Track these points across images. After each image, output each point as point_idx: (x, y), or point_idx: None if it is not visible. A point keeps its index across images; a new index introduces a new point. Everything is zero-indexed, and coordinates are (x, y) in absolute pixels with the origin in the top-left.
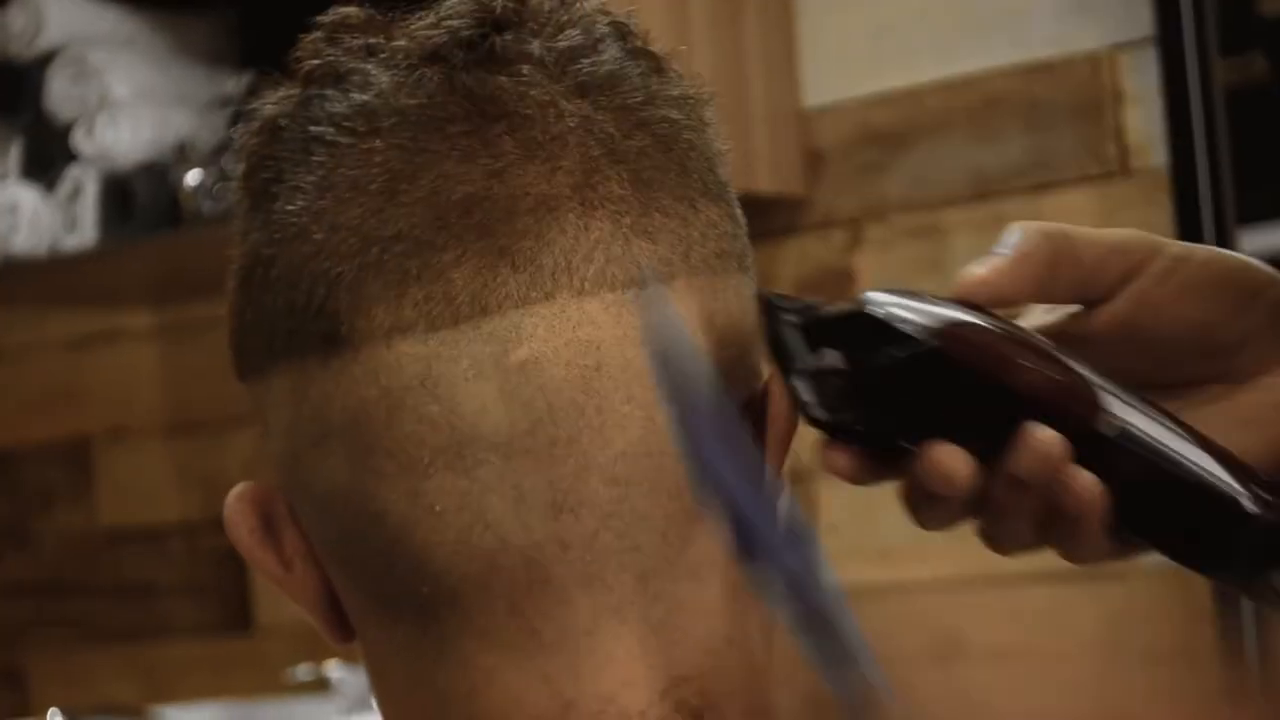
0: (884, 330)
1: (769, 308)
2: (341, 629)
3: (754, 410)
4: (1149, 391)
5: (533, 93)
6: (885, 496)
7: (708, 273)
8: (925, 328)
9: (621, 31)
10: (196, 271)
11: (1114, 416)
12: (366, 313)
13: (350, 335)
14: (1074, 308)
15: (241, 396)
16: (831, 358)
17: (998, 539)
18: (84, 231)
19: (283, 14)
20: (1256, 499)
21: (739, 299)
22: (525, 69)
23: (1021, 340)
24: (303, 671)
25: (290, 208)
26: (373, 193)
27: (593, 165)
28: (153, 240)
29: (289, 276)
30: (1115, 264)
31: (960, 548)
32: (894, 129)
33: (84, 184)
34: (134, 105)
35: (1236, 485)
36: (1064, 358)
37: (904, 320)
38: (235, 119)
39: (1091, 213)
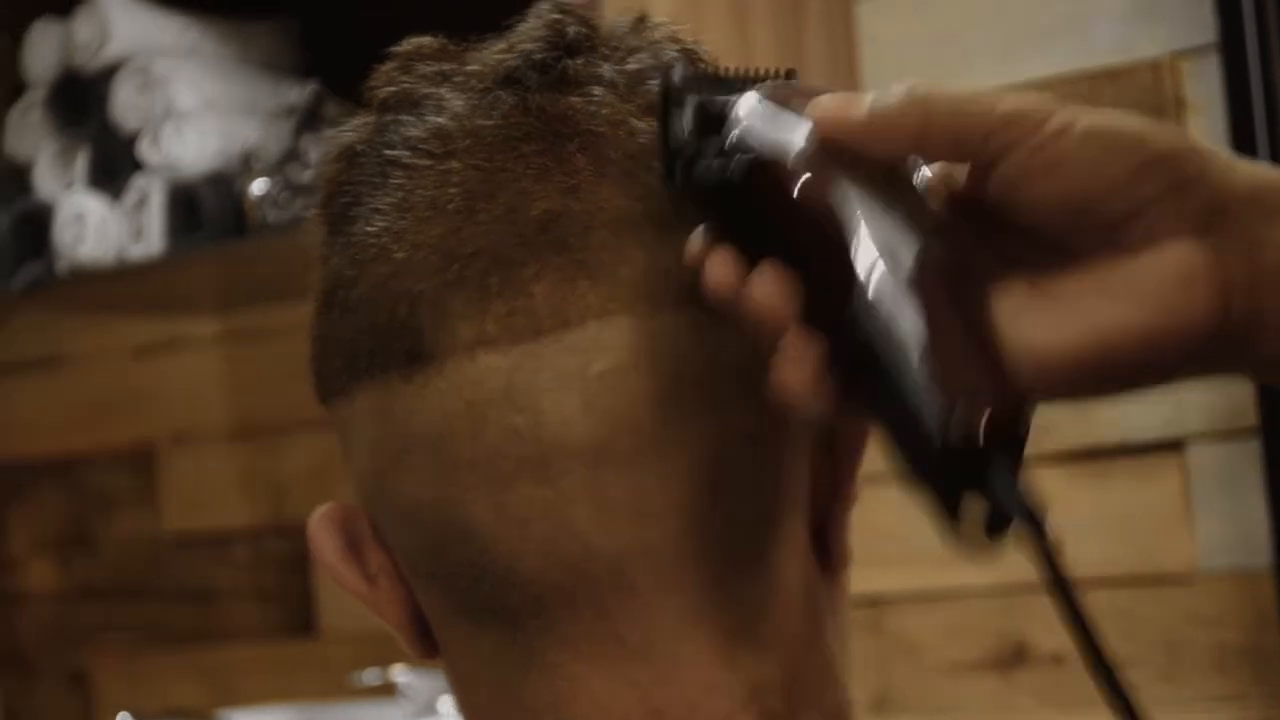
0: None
1: (668, 94)
2: (425, 643)
3: (826, 434)
4: (1031, 259)
5: (604, 112)
6: None
7: None
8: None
9: (690, 57)
10: (261, 279)
11: (858, 281)
12: (449, 328)
13: (434, 350)
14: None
15: (304, 403)
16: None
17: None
18: (150, 240)
19: (344, 23)
20: (956, 424)
21: None
22: (596, 90)
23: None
24: (369, 676)
25: (370, 229)
26: (451, 212)
27: (663, 182)
28: (218, 249)
29: (371, 296)
30: (998, 135)
31: (1022, 554)
32: None
33: (150, 193)
34: (199, 115)
35: (939, 399)
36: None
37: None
38: (300, 128)
39: None
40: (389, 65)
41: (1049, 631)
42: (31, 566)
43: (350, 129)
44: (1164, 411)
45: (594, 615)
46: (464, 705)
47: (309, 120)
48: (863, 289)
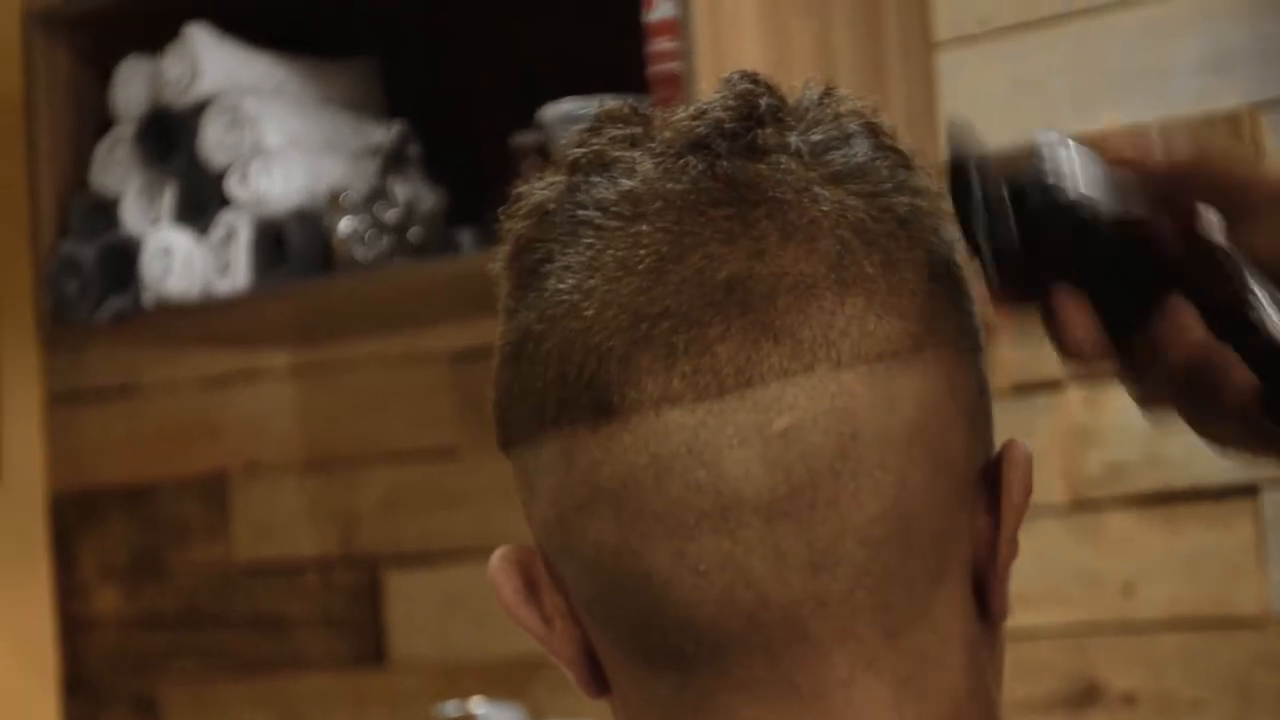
0: (1073, 216)
1: (965, 173)
2: (597, 684)
3: (989, 477)
4: None
5: (789, 179)
6: (1020, 543)
7: (951, 347)
8: (1123, 219)
9: (873, 129)
10: (340, 314)
11: (1253, 294)
12: (637, 384)
13: (621, 405)
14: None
15: (375, 436)
16: (1015, 237)
17: (1144, 397)
18: (236, 275)
19: (424, 63)
20: None
21: (977, 373)
22: (782, 159)
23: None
24: (450, 708)
25: (561, 286)
26: (641, 272)
27: (846, 247)
28: (304, 285)
29: (561, 350)
30: (1229, 200)
31: (1093, 594)
32: None
33: (237, 229)
34: (286, 152)
35: None
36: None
37: (1090, 201)
38: (386, 168)
39: None
40: (579, 128)
41: (1120, 672)
42: (102, 593)
43: (541, 187)
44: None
45: (768, 663)
46: None
47: (394, 160)
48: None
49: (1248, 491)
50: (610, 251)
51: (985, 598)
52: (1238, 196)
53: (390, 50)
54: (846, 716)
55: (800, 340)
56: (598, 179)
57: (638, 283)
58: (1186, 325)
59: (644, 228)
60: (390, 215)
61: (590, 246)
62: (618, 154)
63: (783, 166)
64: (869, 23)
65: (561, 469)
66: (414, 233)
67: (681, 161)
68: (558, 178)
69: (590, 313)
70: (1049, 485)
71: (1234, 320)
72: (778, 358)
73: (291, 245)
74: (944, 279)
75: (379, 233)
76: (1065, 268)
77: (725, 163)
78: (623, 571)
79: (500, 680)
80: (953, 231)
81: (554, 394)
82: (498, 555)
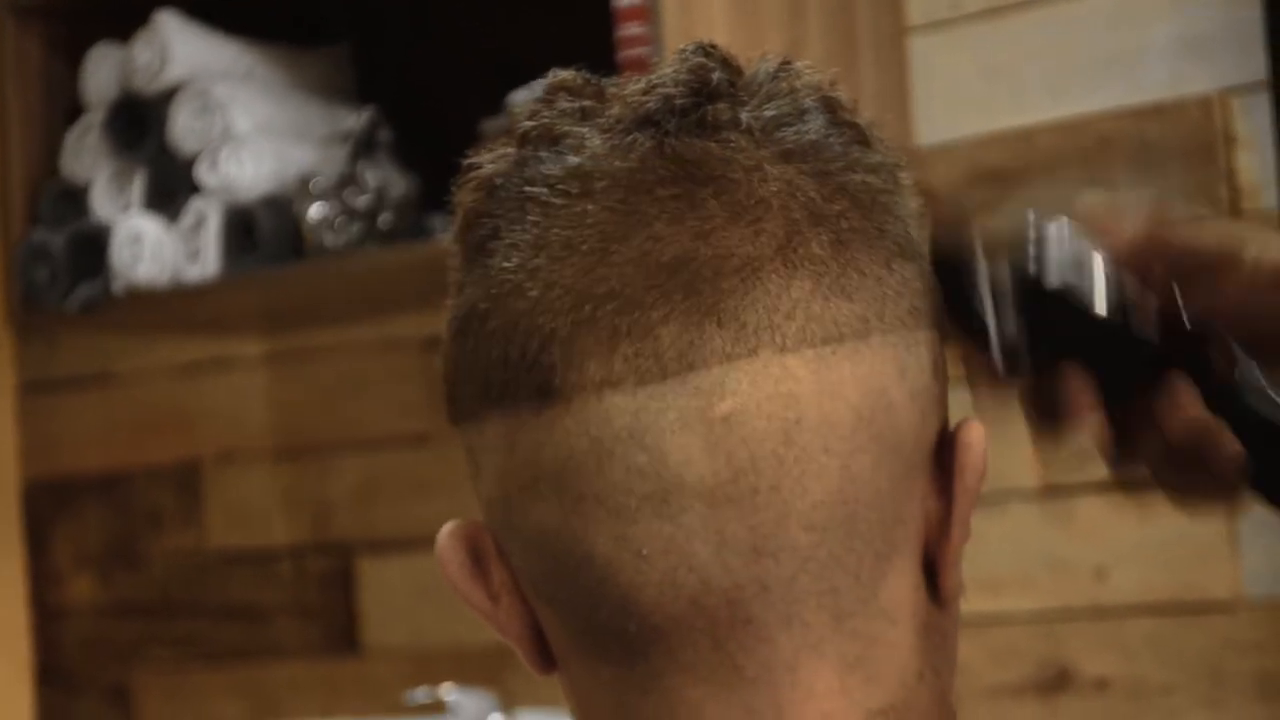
0: (1066, 305)
1: (964, 269)
2: (544, 661)
3: (941, 459)
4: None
5: (739, 158)
6: (991, 528)
7: (901, 329)
8: (1116, 304)
9: (830, 104)
10: (312, 301)
11: (1255, 387)
12: (579, 367)
13: (563, 388)
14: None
15: (348, 423)
16: (1013, 321)
17: (1126, 468)
18: (206, 263)
19: (395, 48)
20: None
21: (930, 353)
22: (733, 136)
23: (1197, 321)
24: (419, 695)
25: (506, 264)
26: (585, 252)
27: (794, 227)
28: (273, 271)
29: (505, 330)
30: (1198, 268)
31: (1065, 579)
32: (1005, 169)
33: (207, 216)
34: (255, 139)
35: None
36: (1216, 331)
37: (1085, 297)
38: (356, 154)
39: None
40: (531, 98)
41: (1092, 657)
42: (75, 582)
43: (491, 159)
44: None
45: (711, 646)
46: None
47: (364, 146)
48: (1257, 385)
49: None
50: (556, 230)
51: (937, 580)
52: (1191, 261)
53: (361, 36)
54: (792, 700)
55: (744, 324)
56: (546, 154)
57: (582, 263)
58: (1184, 402)
59: (590, 206)
60: (361, 201)
61: (536, 224)
62: (567, 128)
63: (733, 144)
64: (840, 7)
65: (505, 449)
66: (385, 219)
67: (630, 138)
68: (508, 150)
69: (534, 293)
70: (1020, 471)
71: (1224, 396)
72: (721, 341)
73: (261, 232)
74: (897, 258)
75: (349, 219)
76: (1067, 349)
77: (674, 140)
78: (565, 553)
79: (473, 668)
80: (909, 207)
81: (498, 374)
82: (445, 530)
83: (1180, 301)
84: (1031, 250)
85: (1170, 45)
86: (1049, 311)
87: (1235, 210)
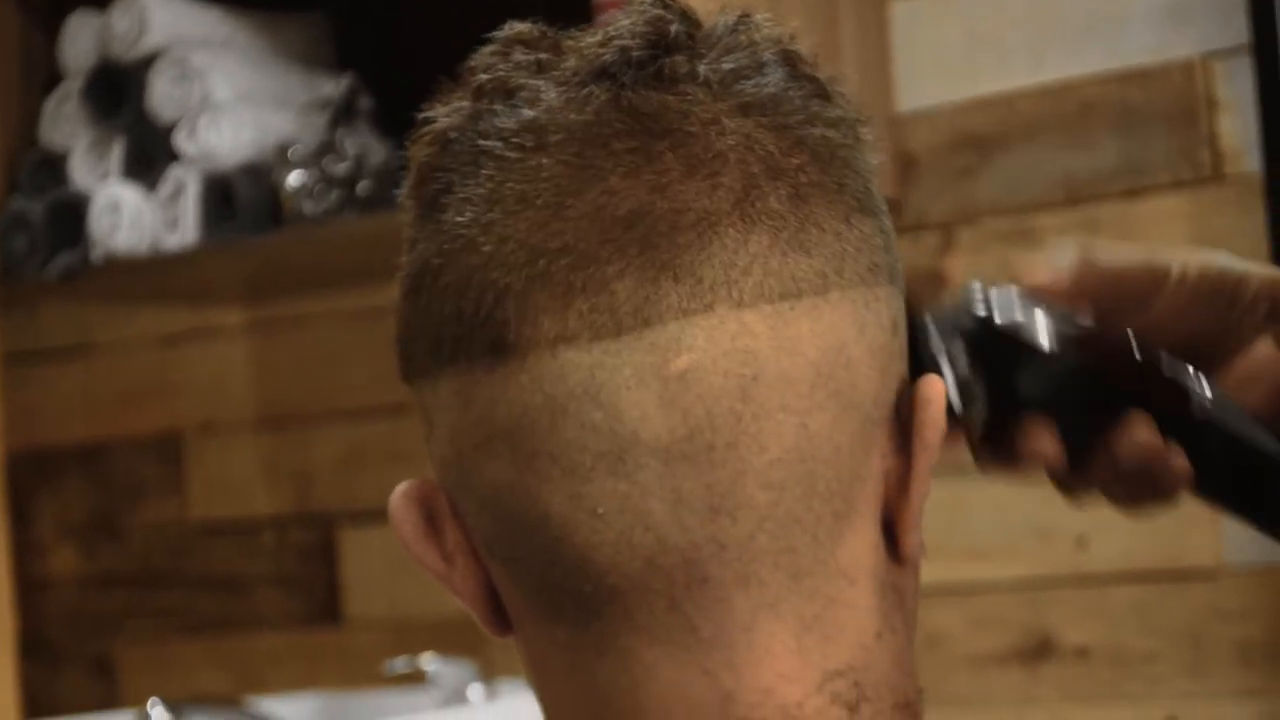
0: (1016, 345)
1: (922, 325)
2: (500, 623)
3: (901, 416)
4: None
5: (696, 110)
6: (974, 496)
7: (860, 285)
8: (1064, 340)
9: (789, 58)
10: (291, 270)
11: (1202, 404)
12: (533, 322)
13: (517, 344)
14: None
15: (331, 393)
16: (963, 365)
17: (1081, 495)
18: (185, 231)
19: (376, 16)
20: None
21: (889, 309)
22: (690, 89)
23: (1144, 347)
24: (399, 664)
25: (460, 219)
26: (539, 206)
27: (752, 181)
28: (252, 240)
29: (458, 285)
30: (1133, 291)
31: (1047, 547)
32: (987, 134)
33: (186, 184)
34: (235, 106)
35: None
36: (1161, 355)
37: (1033, 335)
38: (335, 121)
39: (1184, 218)
40: (486, 50)
41: (1074, 625)
42: (58, 553)
43: (445, 113)
44: None
45: (667, 606)
46: (538, 686)
47: (344, 113)
48: (1203, 402)
49: None
50: (510, 184)
51: (896, 539)
52: (1123, 286)
53: (340, 2)
54: (748, 660)
55: (700, 279)
56: (500, 107)
57: (536, 217)
58: (1137, 431)
59: (544, 160)
60: (340, 169)
61: (490, 178)
62: (522, 81)
63: (690, 97)
64: None
65: (458, 407)
66: (363, 186)
67: (585, 91)
68: (462, 103)
69: (488, 248)
70: None
71: (1179, 425)
72: (677, 297)
73: (240, 200)
74: (857, 214)
75: (328, 186)
76: (1019, 388)
77: (630, 93)
78: (520, 512)
79: (454, 638)
80: (870, 163)
81: (451, 331)
82: (398, 490)
83: (1130, 333)
84: (979, 297)
85: (1152, 10)
86: (1000, 350)
87: (1217, 173)
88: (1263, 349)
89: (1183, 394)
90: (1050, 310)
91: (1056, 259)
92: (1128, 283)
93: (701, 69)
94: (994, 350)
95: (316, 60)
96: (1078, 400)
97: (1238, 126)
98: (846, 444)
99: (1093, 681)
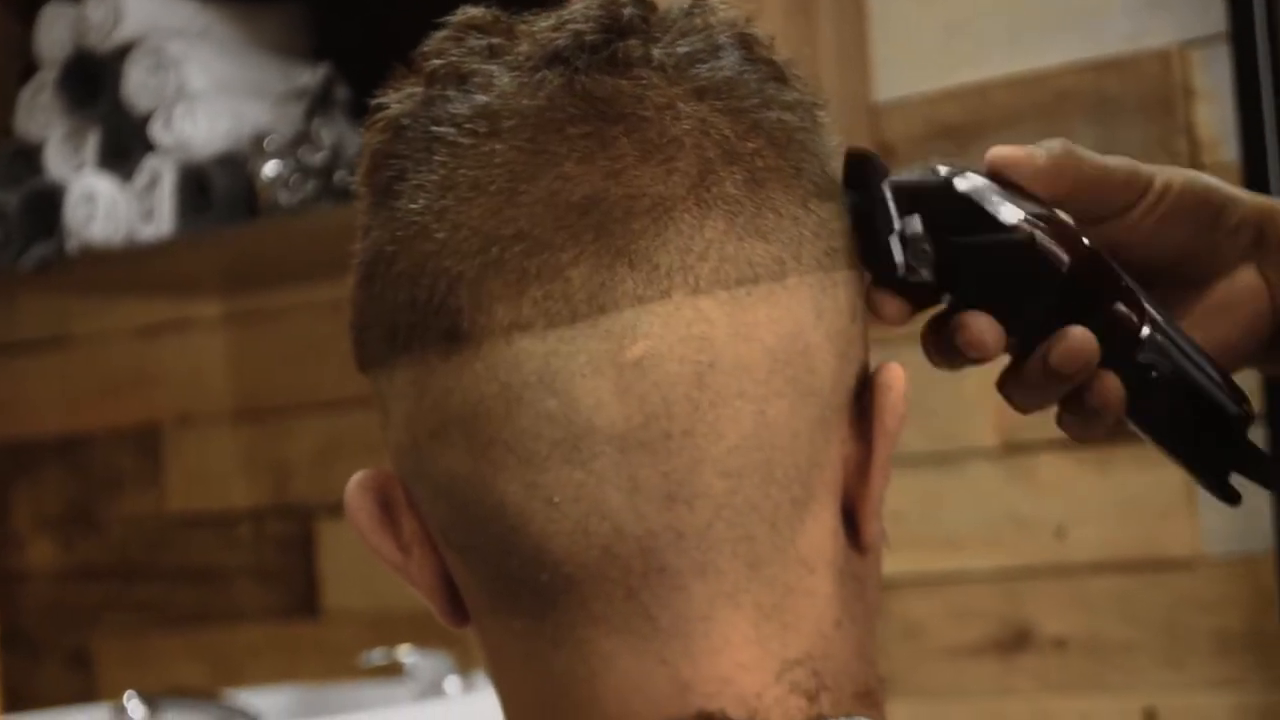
0: (974, 211)
1: (868, 169)
2: (456, 613)
3: (861, 402)
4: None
5: (650, 95)
6: (952, 487)
7: (818, 270)
8: (1018, 218)
9: (745, 41)
10: (268, 261)
11: (1152, 326)
12: (487, 310)
13: (471, 332)
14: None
15: (308, 385)
16: (915, 224)
17: (1019, 400)
18: (160, 221)
19: (352, 6)
20: (1238, 404)
21: (848, 295)
22: (644, 73)
23: (1094, 247)
24: (376, 656)
25: (413, 206)
26: (493, 193)
27: (708, 166)
28: (228, 230)
29: (411, 273)
30: (1113, 195)
31: (1025, 537)
32: (964, 123)
33: (161, 174)
34: (211, 96)
35: (1230, 393)
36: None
37: (995, 207)
38: (311, 111)
39: None
40: (440, 35)
41: (1051, 616)
42: (35, 545)
43: (397, 100)
44: None
45: (624, 595)
46: (496, 677)
47: (320, 103)
48: (1155, 322)
49: None
50: (463, 170)
51: (857, 526)
52: (1100, 187)
53: None
54: (705, 650)
55: (656, 265)
56: (454, 93)
57: (489, 204)
58: (1076, 344)
59: (498, 146)
60: (316, 159)
61: (444, 164)
62: (475, 66)
63: (644, 81)
64: None
65: (413, 396)
66: (340, 176)
67: (539, 76)
68: (415, 90)
69: (441, 235)
70: (980, 429)
71: (1127, 345)
72: (632, 283)
73: (216, 190)
74: (814, 198)
75: (304, 176)
76: (976, 276)
77: (584, 77)
78: (475, 502)
79: (432, 630)
80: (827, 146)
81: (405, 319)
82: (354, 480)
83: (1082, 235)
84: (944, 166)
85: None
86: (956, 217)
87: (1195, 163)
88: (1244, 278)
89: (1137, 309)
90: (1017, 195)
91: (1036, 149)
92: (1108, 186)
93: (656, 53)
94: (950, 216)
95: (293, 50)
96: (1026, 289)
97: (1215, 116)
98: (805, 431)
99: (1071, 672)
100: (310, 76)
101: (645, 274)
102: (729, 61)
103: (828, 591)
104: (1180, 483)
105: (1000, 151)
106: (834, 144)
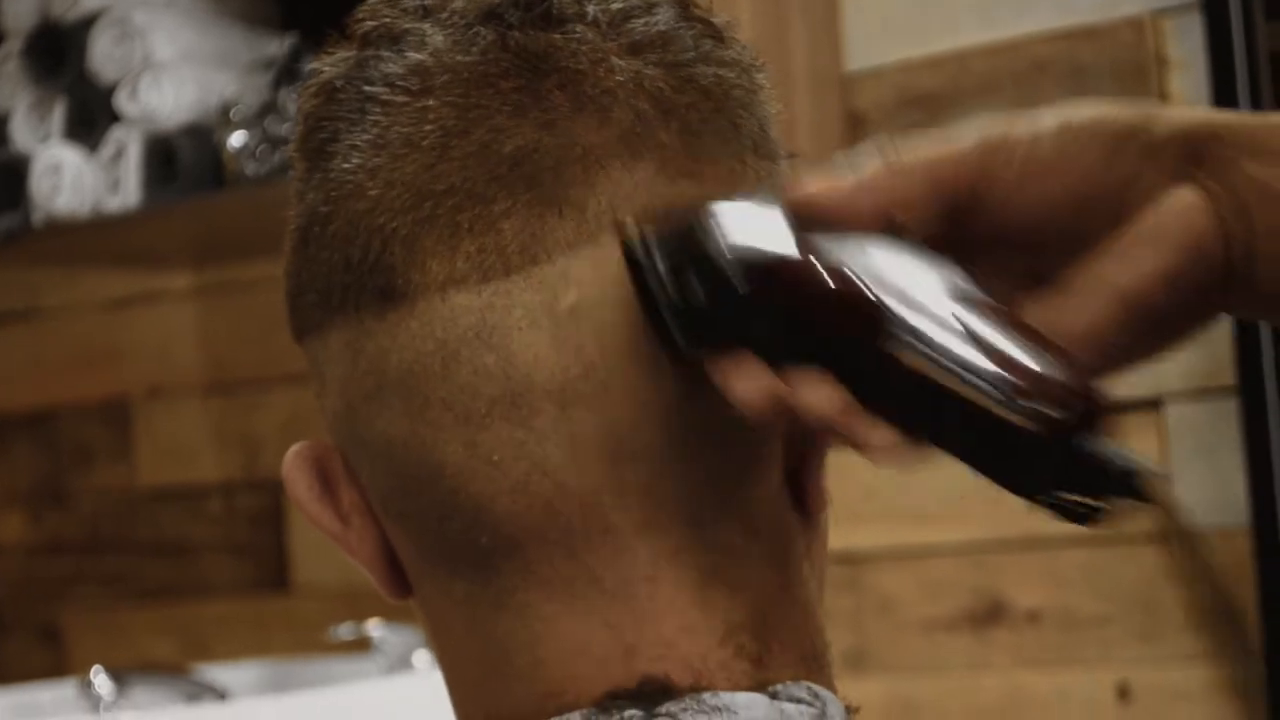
0: (710, 269)
1: (644, 246)
2: (398, 585)
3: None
4: (1038, 268)
5: (584, 49)
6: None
7: None
8: (740, 267)
9: (681, 1)
10: (236, 233)
11: (898, 336)
12: (421, 266)
13: (406, 289)
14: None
15: (278, 357)
16: (682, 290)
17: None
18: (127, 193)
19: None
20: (1038, 416)
21: None
22: (578, 28)
23: (817, 273)
24: (344, 630)
25: (346, 166)
26: (425, 149)
27: (640, 117)
28: (195, 201)
29: (345, 233)
30: (966, 176)
31: (997, 510)
32: (936, 93)
33: (127, 145)
34: (177, 66)
35: (1018, 404)
36: (860, 280)
37: (730, 266)
38: (278, 81)
39: None
40: None
41: (1024, 589)
42: (4, 520)
43: (330, 64)
44: (1141, 370)
45: (566, 555)
46: (438, 646)
47: (287, 73)
48: (902, 340)
49: (1151, 405)
50: (396, 128)
51: (803, 488)
52: (954, 181)
53: None
54: (650, 612)
55: (585, 211)
56: (387, 53)
57: (422, 159)
58: (813, 398)
59: (431, 102)
60: (283, 129)
61: (377, 124)
62: (408, 25)
63: (578, 36)
64: None
65: (349, 359)
66: None
67: (472, 32)
68: (348, 52)
69: (374, 193)
70: None
71: (868, 372)
72: (563, 232)
73: (182, 161)
74: (752, 154)
75: (271, 147)
76: (732, 339)
77: (518, 33)
78: (414, 464)
79: (402, 606)
80: (766, 109)
81: (339, 279)
82: (291, 451)
83: (815, 259)
84: (711, 219)
85: None
86: (702, 278)
87: None
88: (1176, 199)
89: (871, 326)
90: (799, 234)
91: (845, 168)
92: (956, 174)
93: (590, 9)
94: (699, 278)
95: (260, 20)
96: (771, 343)
97: (1188, 84)
98: None
99: (1044, 645)
100: (277, 46)
101: (574, 221)
102: (664, 17)
103: (773, 553)
104: (1153, 453)
105: (802, 188)
106: (774, 110)
